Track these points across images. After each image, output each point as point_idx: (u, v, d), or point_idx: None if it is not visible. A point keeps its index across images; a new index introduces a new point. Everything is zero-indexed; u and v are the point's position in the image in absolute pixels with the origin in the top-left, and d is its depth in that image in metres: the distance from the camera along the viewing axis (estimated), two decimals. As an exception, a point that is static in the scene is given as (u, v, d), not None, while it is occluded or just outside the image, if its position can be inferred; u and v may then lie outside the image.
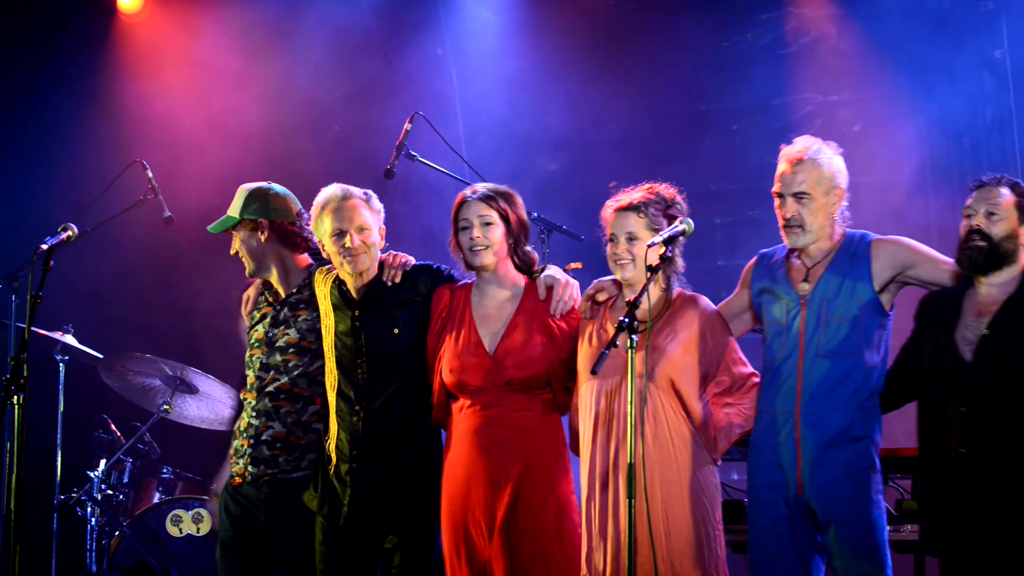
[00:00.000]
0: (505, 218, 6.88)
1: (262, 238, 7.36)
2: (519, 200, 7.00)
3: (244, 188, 7.46)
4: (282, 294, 7.35)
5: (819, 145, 6.79)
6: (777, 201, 6.80)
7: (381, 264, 7.10)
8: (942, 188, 11.09)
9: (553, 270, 6.99)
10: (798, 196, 6.70)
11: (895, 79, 11.24)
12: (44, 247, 7.22)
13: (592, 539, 6.58)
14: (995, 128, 11.01)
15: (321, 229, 7.03)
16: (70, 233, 7.42)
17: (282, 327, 7.26)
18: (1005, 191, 6.47)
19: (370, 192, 7.13)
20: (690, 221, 6.57)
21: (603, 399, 6.58)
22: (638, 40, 11.82)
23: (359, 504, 6.92)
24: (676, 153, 11.56)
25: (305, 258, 7.41)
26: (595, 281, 6.89)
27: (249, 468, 7.20)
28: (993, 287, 6.45)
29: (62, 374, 9.38)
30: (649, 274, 6.43)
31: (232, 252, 7.40)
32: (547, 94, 11.72)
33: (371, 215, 7.06)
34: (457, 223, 6.94)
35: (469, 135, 11.69)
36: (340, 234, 6.97)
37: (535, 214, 9.66)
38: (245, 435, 7.25)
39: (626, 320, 6.16)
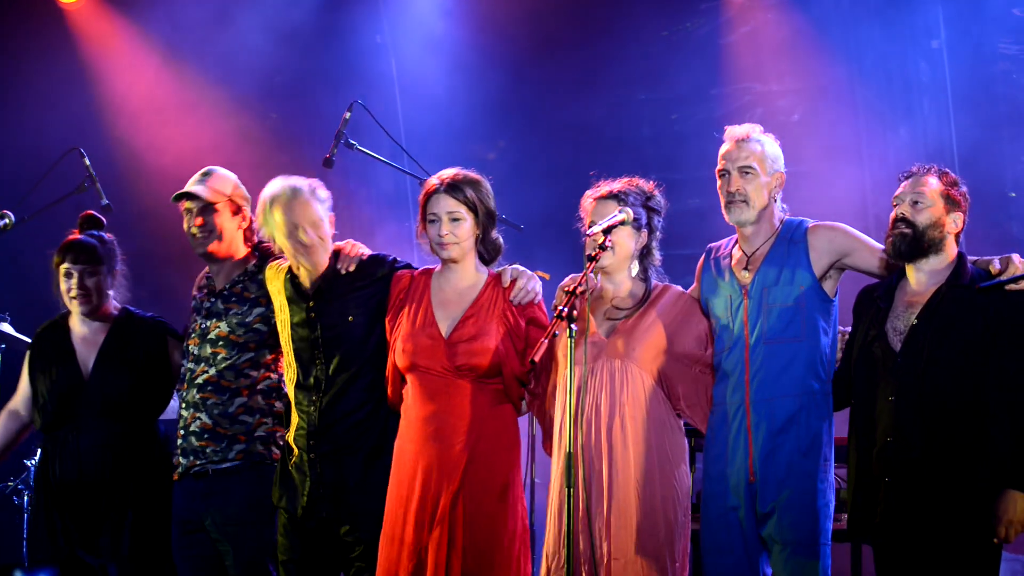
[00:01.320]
0: (473, 209, 6.84)
1: (237, 224, 7.34)
2: (487, 187, 6.96)
3: (219, 169, 7.40)
4: (217, 287, 7.32)
5: (761, 129, 6.84)
6: (720, 181, 6.83)
7: (335, 253, 7.07)
8: (879, 177, 11.14)
9: (516, 266, 6.95)
10: (743, 170, 6.76)
11: (833, 69, 11.30)
12: (-20, 235, 7.19)
13: (560, 534, 6.56)
14: (932, 118, 11.07)
15: (271, 223, 6.95)
16: (7, 221, 7.40)
17: (214, 319, 7.25)
18: (933, 180, 6.53)
19: (316, 182, 7.08)
20: (628, 210, 6.59)
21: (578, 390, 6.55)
22: (578, 29, 11.84)
23: (318, 495, 6.89)
24: (616, 142, 11.59)
25: (245, 251, 7.39)
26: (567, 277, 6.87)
27: (181, 459, 7.20)
28: (923, 275, 6.50)
29: (25, 378, 9.31)
30: (589, 264, 6.43)
31: (196, 226, 7.31)
32: (486, 82, 11.72)
33: (321, 208, 7.01)
34: (425, 214, 6.88)
35: (408, 123, 11.67)
36: (293, 229, 6.91)
37: (475, 202, 9.66)
38: (179, 427, 7.26)
39: (564, 309, 6.15)
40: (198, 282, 7.58)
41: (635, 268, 6.76)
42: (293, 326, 7.02)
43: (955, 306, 6.36)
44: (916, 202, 6.49)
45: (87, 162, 8.80)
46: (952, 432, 6.25)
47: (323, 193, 7.07)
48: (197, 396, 7.19)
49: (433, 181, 6.93)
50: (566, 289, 6.51)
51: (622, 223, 6.56)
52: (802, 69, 11.43)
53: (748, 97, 11.62)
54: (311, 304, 7.00)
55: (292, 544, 6.98)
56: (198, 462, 7.14)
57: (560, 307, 6.18)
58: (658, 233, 6.77)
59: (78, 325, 7.59)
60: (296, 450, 6.97)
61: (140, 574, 7.39)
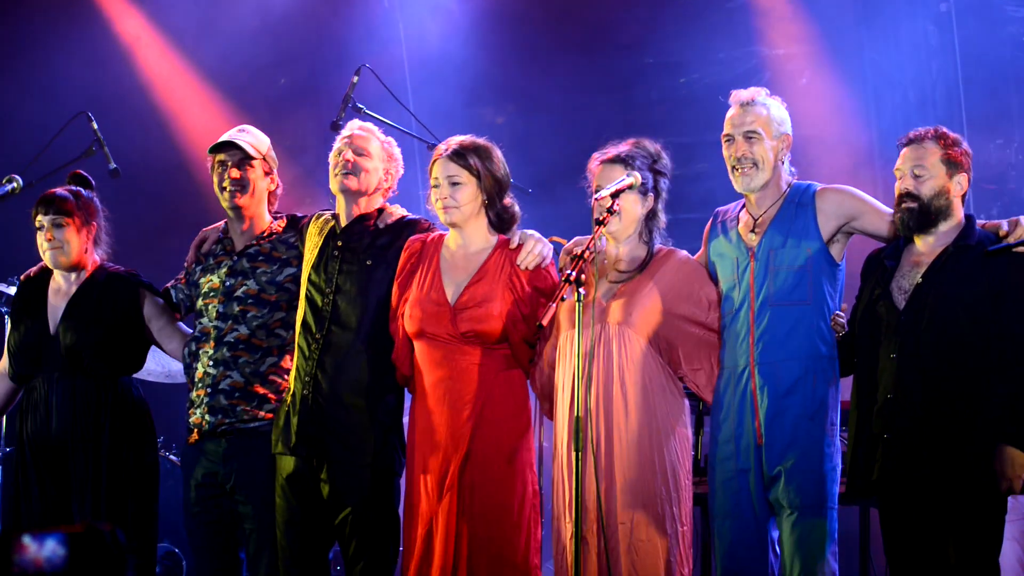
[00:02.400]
0: (476, 174, 6.81)
1: (267, 185, 7.35)
2: (496, 154, 6.94)
3: (253, 128, 7.42)
4: (238, 245, 7.33)
5: (767, 92, 6.82)
6: (725, 146, 6.82)
7: (380, 211, 7.18)
8: (888, 141, 11.12)
9: (523, 232, 6.90)
10: (748, 135, 6.74)
11: (842, 32, 11.26)
12: (-12, 199, 7.20)
13: (562, 499, 6.58)
14: (940, 81, 11.06)
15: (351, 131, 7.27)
16: (15, 185, 7.39)
17: (240, 277, 7.23)
18: (931, 146, 6.50)
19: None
20: (636, 175, 6.57)
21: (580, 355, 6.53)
22: (587, -8, 11.82)
23: (305, 433, 6.90)
24: (624, 106, 11.58)
25: (267, 215, 7.41)
26: (574, 239, 6.85)
27: (207, 417, 7.15)
28: (931, 237, 6.49)
29: (8, 326, 9.32)
30: (597, 228, 6.42)
31: (232, 178, 7.33)
32: (495, 46, 11.70)
33: (377, 146, 7.26)
34: (431, 179, 6.89)
35: (416, 88, 11.66)
36: (339, 152, 7.17)
37: (482, 167, 9.67)
38: (201, 385, 7.21)
39: (572, 273, 6.15)
40: (200, 240, 7.56)
41: (641, 232, 6.74)
42: (314, 266, 7.07)
43: (961, 266, 6.36)
44: (918, 175, 6.46)
45: (95, 126, 8.79)
46: (953, 390, 6.25)
47: (398, 155, 7.35)
48: (228, 354, 7.16)
49: (440, 146, 6.92)
50: (573, 253, 6.49)
51: (630, 188, 6.54)
52: (810, 32, 11.40)
53: (755, 61, 11.60)
54: (339, 243, 7.07)
55: (289, 505, 6.99)
56: (226, 420, 7.12)
57: (568, 271, 6.17)
58: (664, 196, 6.75)
59: (58, 278, 7.57)
60: (292, 388, 6.99)
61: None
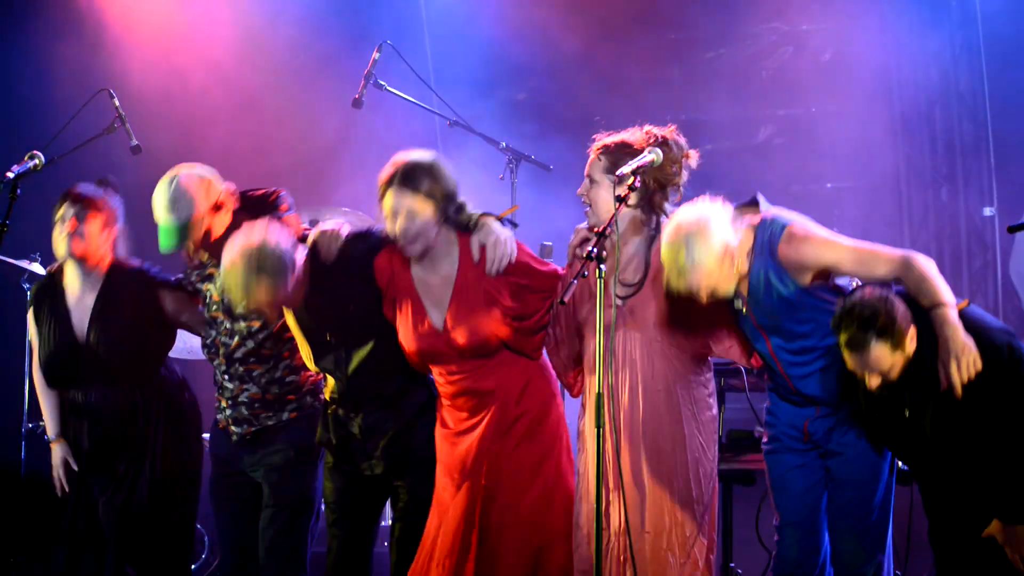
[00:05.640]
0: (432, 197, 6.59)
1: (221, 217, 7.18)
2: (442, 167, 6.66)
3: (182, 188, 7.13)
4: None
5: (694, 225, 6.25)
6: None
7: (313, 246, 6.93)
8: (911, 116, 11.10)
9: (483, 227, 6.72)
10: (702, 294, 6.29)
11: (864, 6, 11.20)
12: (11, 175, 7.20)
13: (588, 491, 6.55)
14: (963, 55, 11.01)
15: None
16: (37, 162, 7.39)
17: None
18: (879, 348, 5.96)
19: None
20: (659, 151, 6.50)
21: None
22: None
23: (366, 449, 6.95)
24: (647, 82, 11.54)
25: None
26: (576, 229, 6.75)
27: (232, 427, 7.22)
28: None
29: (30, 326, 9.35)
30: (618, 204, 6.39)
31: (196, 254, 7.35)
32: (516, 22, 11.66)
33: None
34: (383, 208, 6.66)
35: (437, 64, 11.64)
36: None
37: (503, 143, 9.65)
38: (222, 394, 7.27)
39: (593, 250, 6.12)
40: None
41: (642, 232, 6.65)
42: (297, 317, 6.97)
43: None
44: (879, 372, 6.04)
45: (116, 103, 8.80)
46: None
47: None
48: (241, 369, 7.18)
49: (385, 171, 6.64)
50: (596, 231, 6.41)
51: (652, 163, 6.50)
52: (832, 8, 11.34)
53: (776, 36, 11.55)
54: (307, 308, 6.92)
55: (336, 487, 7.04)
56: (252, 428, 7.19)
57: (589, 248, 6.14)
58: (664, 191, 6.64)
59: (72, 281, 7.50)
60: (336, 405, 7.02)
61: (156, 526, 7.41)
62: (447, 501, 6.71)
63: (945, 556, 6.31)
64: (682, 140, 6.65)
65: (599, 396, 6.07)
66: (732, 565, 7.82)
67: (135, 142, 8.90)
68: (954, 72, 11.02)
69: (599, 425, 6.06)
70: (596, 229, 6.38)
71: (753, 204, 6.46)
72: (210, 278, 7.29)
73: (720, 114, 11.66)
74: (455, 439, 6.74)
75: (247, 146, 10.91)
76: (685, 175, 6.66)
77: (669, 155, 6.53)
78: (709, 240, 6.18)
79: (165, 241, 7.07)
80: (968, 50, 10.94)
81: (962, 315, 6.02)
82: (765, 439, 6.70)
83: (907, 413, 6.15)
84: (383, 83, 9.50)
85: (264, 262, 6.56)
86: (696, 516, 6.50)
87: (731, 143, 11.76)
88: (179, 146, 10.92)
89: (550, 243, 9.32)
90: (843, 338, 5.98)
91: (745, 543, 7.75)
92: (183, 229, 7.04)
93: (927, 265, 6.09)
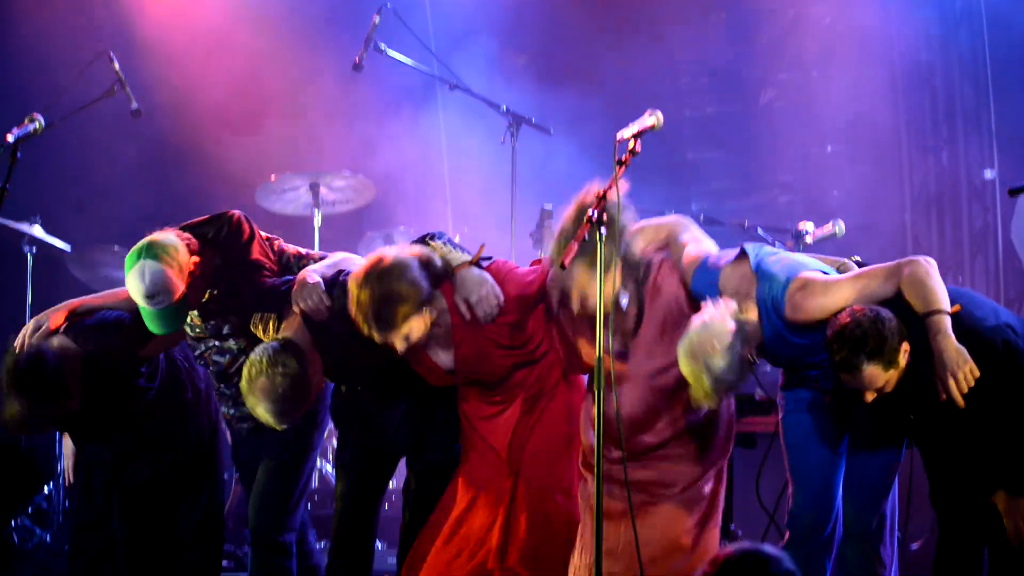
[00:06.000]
0: (409, 316, 6.33)
1: (199, 281, 6.87)
2: (411, 277, 6.34)
3: (154, 270, 6.67)
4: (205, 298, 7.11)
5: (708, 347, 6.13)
6: None
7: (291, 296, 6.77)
8: (911, 80, 11.09)
9: (462, 284, 6.56)
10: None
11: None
12: (11, 138, 7.19)
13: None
14: (964, 18, 10.98)
15: None
16: (37, 125, 7.38)
17: (218, 319, 7.03)
18: (868, 368, 5.96)
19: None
20: (659, 114, 6.49)
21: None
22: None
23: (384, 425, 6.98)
24: (648, 47, 11.51)
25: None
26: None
27: (237, 424, 7.17)
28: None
29: (30, 265, 9.37)
30: (619, 168, 6.36)
31: (199, 324, 7.09)
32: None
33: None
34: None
35: (438, 27, 11.62)
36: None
37: (504, 106, 9.65)
38: (221, 399, 7.19)
39: (595, 213, 6.10)
40: None
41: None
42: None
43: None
44: (874, 390, 6.06)
45: (116, 66, 8.79)
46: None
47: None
48: (237, 380, 6.91)
49: (359, 320, 6.35)
50: (597, 195, 6.38)
51: (652, 128, 6.48)
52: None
53: (776, 1, 11.52)
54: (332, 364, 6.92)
55: (347, 448, 7.08)
56: (257, 422, 7.09)
57: (591, 211, 6.13)
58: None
59: None
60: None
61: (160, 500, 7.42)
62: (477, 481, 6.76)
63: (947, 516, 6.34)
64: (612, 210, 6.25)
65: (599, 360, 6.06)
66: (732, 527, 7.84)
67: (135, 105, 8.90)
68: (954, 35, 10.99)
69: (599, 388, 6.07)
70: (597, 193, 6.36)
71: (743, 256, 6.42)
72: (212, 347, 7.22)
73: (721, 78, 11.65)
74: (481, 422, 6.78)
75: (247, 109, 10.92)
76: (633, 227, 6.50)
77: (612, 231, 6.21)
78: (727, 355, 6.10)
79: (156, 327, 6.79)
80: (968, 13, 10.90)
81: (953, 321, 6.01)
82: (781, 400, 6.73)
83: (911, 416, 6.20)
84: (383, 47, 9.49)
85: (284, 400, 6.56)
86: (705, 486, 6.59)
87: (732, 107, 11.76)
88: (178, 111, 10.94)
89: (550, 206, 9.33)
90: (835, 360, 5.99)
91: (745, 505, 7.76)
92: (169, 313, 6.76)
93: (924, 270, 6.07)
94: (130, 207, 10.60)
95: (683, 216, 6.63)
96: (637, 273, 6.45)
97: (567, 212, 6.46)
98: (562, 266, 6.04)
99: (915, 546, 7.17)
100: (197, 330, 7.02)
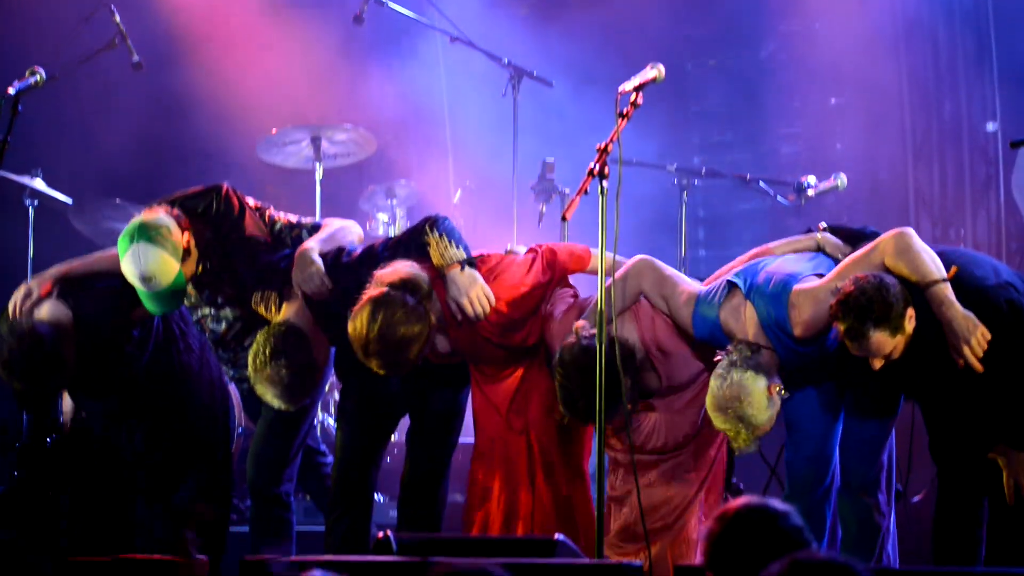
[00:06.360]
0: (425, 342, 6.41)
1: (192, 263, 6.92)
2: (417, 315, 6.35)
3: (151, 256, 6.70)
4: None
5: (735, 402, 6.18)
6: None
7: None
8: (914, 31, 11.04)
9: (452, 284, 6.58)
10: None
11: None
12: (11, 91, 7.18)
13: None
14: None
15: None
16: (38, 78, 7.37)
17: (211, 288, 7.08)
18: (876, 335, 5.91)
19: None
20: (661, 67, 6.49)
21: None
22: None
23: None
24: (648, 0, 11.48)
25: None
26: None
27: (238, 383, 7.26)
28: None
29: (31, 219, 9.35)
30: (621, 120, 6.35)
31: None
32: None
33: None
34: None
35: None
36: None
37: (505, 59, 9.63)
38: (221, 360, 7.24)
39: (596, 166, 6.11)
40: None
41: None
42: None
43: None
44: (882, 357, 6.02)
45: (117, 19, 8.78)
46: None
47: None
48: (235, 345, 7.11)
49: (360, 356, 6.40)
50: (599, 147, 6.39)
51: (654, 80, 6.47)
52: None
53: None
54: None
55: (350, 398, 7.10)
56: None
57: (593, 164, 6.13)
58: None
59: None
60: None
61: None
62: (494, 442, 6.82)
63: (947, 470, 6.36)
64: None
65: (600, 313, 6.07)
66: (734, 480, 7.85)
67: (136, 58, 8.88)
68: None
69: (600, 342, 6.07)
70: (599, 146, 6.36)
71: (733, 288, 6.41)
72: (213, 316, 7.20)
73: (723, 30, 11.62)
74: (490, 385, 6.82)
75: (247, 63, 10.90)
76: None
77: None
78: (753, 405, 6.12)
79: (155, 308, 6.81)
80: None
81: (955, 284, 6.01)
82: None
83: (919, 380, 6.23)
84: (384, -1, 9.49)
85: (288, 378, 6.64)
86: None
87: (734, 59, 11.73)
88: (179, 64, 10.91)
89: (552, 159, 9.33)
90: (841, 328, 5.97)
91: (746, 458, 7.76)
92: (165, 294, 6.76)
93: (905, 243, 6.08)
94: (131, 160, 10.59)
95: (640, 258, 6.56)
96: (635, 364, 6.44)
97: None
98: (563, 219, 6.07)
99: (916, 499, 7.16)
100: (192, 299, 7.06)
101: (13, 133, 7.05)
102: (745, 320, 6.26)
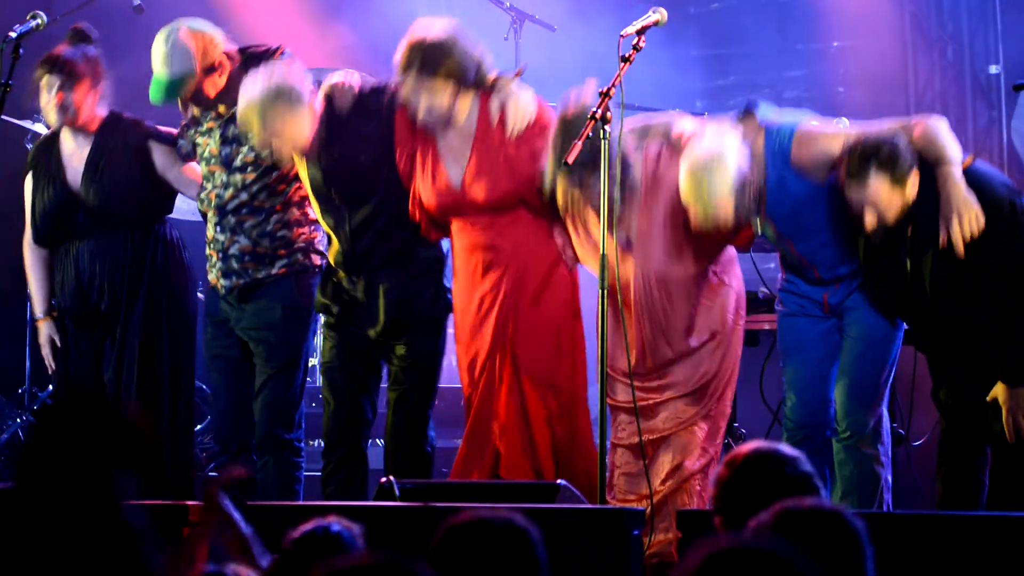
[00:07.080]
0: (451, 75, 6.59)
1: (217, 77, 7.16)
2: (460, 43, 6.64)
3: (176, 39, 7.14)
4: (223, 110, 7.23)
5: (711, 160, 6.29)
6: None
7: (329, 96, 6.97)
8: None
9: (502, 89, 6.74)
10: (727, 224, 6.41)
11: None
12: (13, 35, 7.17)
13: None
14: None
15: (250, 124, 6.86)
16: (39, 21, 7.36)
17: (234, 144, 7.16)
18: (876, 181, 6.01)
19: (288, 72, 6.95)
20: (663, 11, 6.47)
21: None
22: None
23: (370, 311, 6.99)
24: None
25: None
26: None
27: (221, 281, 7.23)
28: None
29: (28, 188, 9.33)
30: (624, 64, 6.34)
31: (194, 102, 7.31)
32: None
33: (300, 102, 6.88)
34: (402, 88, 6.69)
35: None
36: (268, 140, 6.88)
37: (507, 2, 9.60)
38: (213, 247, 7.28)
39: (597, 111, 6.11)
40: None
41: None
42: (308, 171, 7.01)
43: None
44: (876, 209, 6.06)
45: (118, -39, 8.76)
46: None
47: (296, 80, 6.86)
48: (233, 221, 7.15)
49: (402, 54, 6.63)
50: (602, 92, 6.37)
51: (657, 23, 6.46)
52: None
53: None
54: (319, 157, 6.95)
55: (334, 348, 7.12)
56: (240, 281, 7.18)
57: (594, 109, 6.13)
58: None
59: (67, 140, 7.50)
60: (340, 272, 7.07)
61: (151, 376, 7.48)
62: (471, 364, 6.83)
63: (949, 414, 6.38)
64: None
65: (603, 258, 6.08)
66: (736, 425, 7.88)
67: (138, 1, 8.86)
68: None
69: (603, 288, 6.08)
70: (601, 90, 6.35)
71: (749, 112, 6.43)
72: (208, 132, 7.24)
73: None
74: (470, 296, 6.80)
75: (249, 3, 10.86)
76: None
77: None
78: (727, 172, 6.18)
79: (155, 93, 7.09)
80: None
81: (966, 172, 6.05)
82: (780, 305, 6.76)
83: (908, 265, 6.20)
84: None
85: (283, 91, 6.70)
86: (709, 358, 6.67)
87: (736, 2, 11.69)
88: (181, 6, 10.87)
89: (554, 104, 9.29)
90: (845, 169, 6.04)
91: (749, 403, 7.80)
92: (175, 84, 7.04)
93: (936, 125, 6.16)
94: (132, 106, 10.57)
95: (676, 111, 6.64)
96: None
97: (566, 110, 6.47)
98: (565, 163, 6.05)
99: (918, 443, 7.19)
100: (212, 161, 7.19)
101: (14, 77, 7.03)
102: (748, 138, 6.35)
